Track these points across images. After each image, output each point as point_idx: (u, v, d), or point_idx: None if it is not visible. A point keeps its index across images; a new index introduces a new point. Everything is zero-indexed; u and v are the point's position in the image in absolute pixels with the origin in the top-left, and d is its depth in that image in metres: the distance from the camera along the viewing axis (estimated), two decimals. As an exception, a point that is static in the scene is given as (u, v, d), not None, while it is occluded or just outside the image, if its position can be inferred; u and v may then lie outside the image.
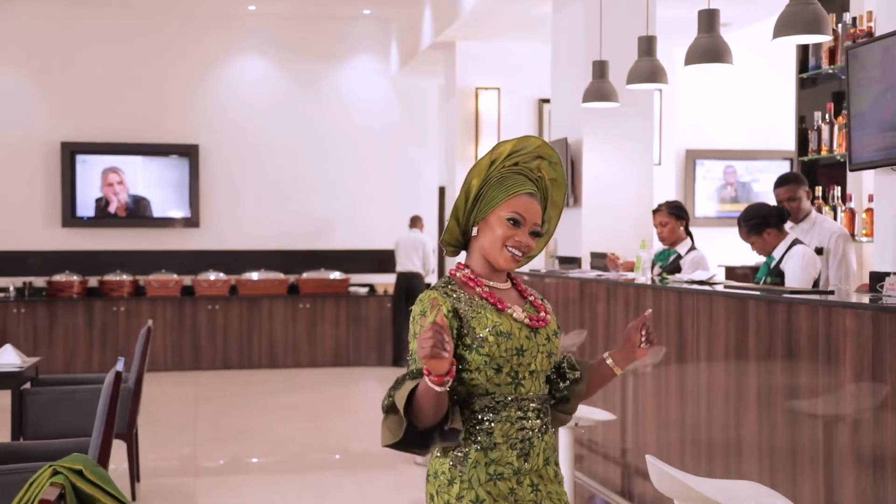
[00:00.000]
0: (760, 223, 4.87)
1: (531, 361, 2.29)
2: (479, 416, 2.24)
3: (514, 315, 2.28)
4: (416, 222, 11.41)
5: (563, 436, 4.50)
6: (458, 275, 2.34)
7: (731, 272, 8.34)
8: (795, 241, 4.89)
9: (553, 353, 2.35)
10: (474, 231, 2.34)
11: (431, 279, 11.92)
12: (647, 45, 5.83)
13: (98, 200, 11.46)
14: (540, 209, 2.34)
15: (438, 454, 2.29)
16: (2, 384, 5.48)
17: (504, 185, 2.31)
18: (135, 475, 5.75)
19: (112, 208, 11.47)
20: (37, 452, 3.93)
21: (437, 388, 2.08)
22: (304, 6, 11.69)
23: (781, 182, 5.41)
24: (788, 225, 5.17)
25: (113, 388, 3.57)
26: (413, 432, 2.17)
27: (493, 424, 2.24)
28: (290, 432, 7.99)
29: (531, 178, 2.35)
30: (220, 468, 6.99)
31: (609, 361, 2.44)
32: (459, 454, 2.25)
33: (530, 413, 2.28)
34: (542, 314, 2.35)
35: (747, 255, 7.44)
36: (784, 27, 4.15)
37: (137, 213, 11.55)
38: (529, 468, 2.27)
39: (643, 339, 2.40)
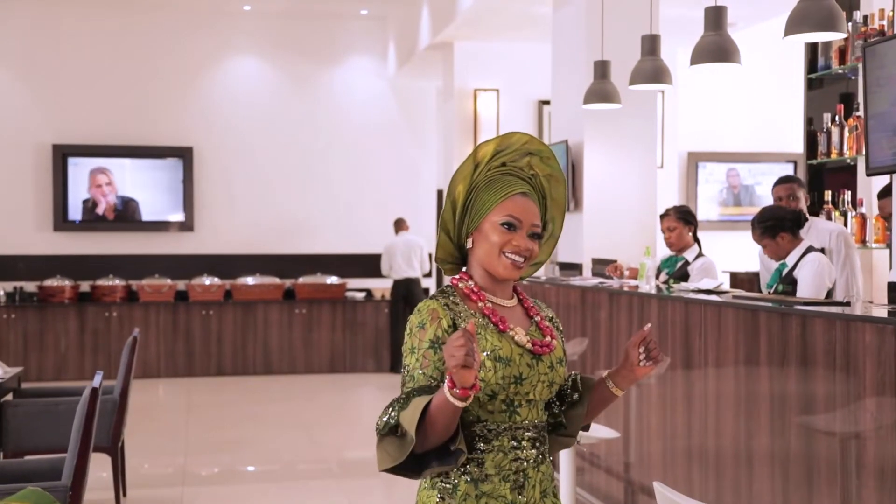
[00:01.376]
0: (775, 226, 4.72)
1: (530, 391, 2.10)
2: (469, 445, 2.05)
3: (516, 338, 2.09)
4: (401, 225, 11.14)
5: (563, 450, 4.31)
6: (460, 285, 2.15)
7: (735, 278, 8.17)
8: (810, 249, 4.72)
9: (555, 383, 2.15)
10: (469, 243, 2.15)
11: (427, 282, 11.73)
12: (651, 45, 5.64)
13: (85, 202, 11.27)
14: (537, 209, 2.15)
15: (426, 485, 2.11)
16: (-21, 397, 5.25)
17: (493, 188, 2.13)
18: (120, 489, 5.55)
19: (100, 210, 11.28)
20: (10, 472, 3.73)
21: (460, 403, 1.88)
22: (300, 5, 11.51)
23: (782, 180, 5.38)
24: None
25: (88, 406, 3.38)
26: (409, 455, 1.97)
27: (483, 454, 2.06)
28: (283, 440, 7.81)
29: (522, 176, 2.16)
30: (211, 477, 6.82)
31: (609, 384, 2.24)
32: (448, 486, 2.06)
33: (525, 442, 2.10)
34: (548, 339, 2.15)
35: (751, 261, 7.25)
36: (796, 24, 3.96)
37: (126, 215, 11.37)
38: (525, 502, 2.09)
39: (643, 356, 2.19)
